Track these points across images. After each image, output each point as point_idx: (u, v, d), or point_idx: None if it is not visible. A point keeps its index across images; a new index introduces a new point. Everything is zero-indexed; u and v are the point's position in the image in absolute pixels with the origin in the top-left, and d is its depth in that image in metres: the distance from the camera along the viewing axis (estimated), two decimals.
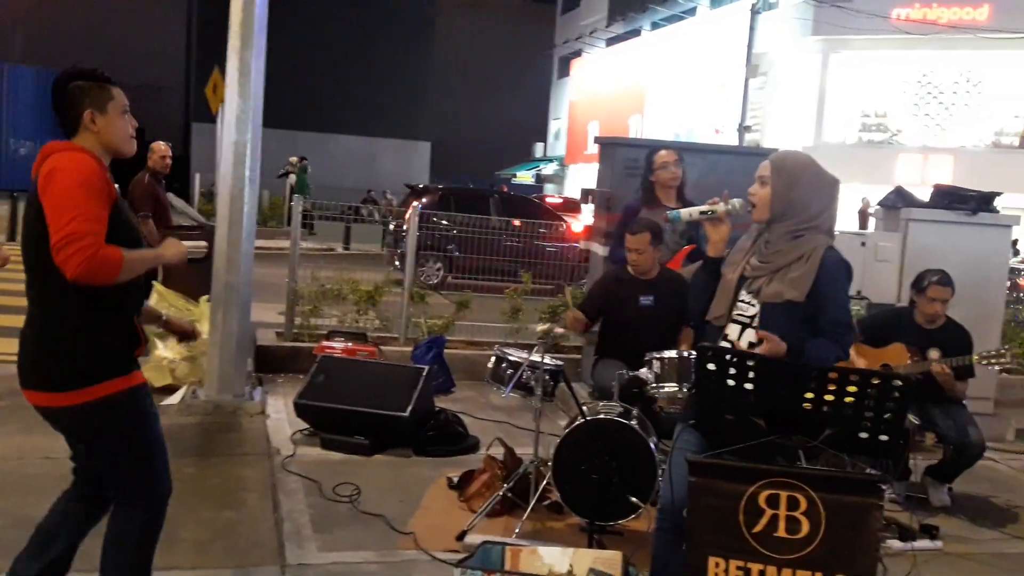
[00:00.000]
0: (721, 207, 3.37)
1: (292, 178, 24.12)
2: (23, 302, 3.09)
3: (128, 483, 3.15)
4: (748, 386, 2.86)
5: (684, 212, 3.50)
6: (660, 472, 4.59)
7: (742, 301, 3.34)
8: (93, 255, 2.79)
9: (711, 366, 2.90)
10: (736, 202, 3.38)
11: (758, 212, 3.33)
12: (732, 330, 3.36)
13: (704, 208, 3.38)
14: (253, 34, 6.62)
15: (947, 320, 5.73)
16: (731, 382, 2.88)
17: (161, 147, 8.84)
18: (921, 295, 5.68)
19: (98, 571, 3.20)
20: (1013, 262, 10.41)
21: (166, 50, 44.42)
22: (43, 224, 2.87)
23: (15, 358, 3.10)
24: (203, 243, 8.13)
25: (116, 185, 3.12)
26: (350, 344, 7.58)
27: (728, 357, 2.89)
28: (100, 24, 43.08)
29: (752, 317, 3.30)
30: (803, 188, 3.29)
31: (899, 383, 2.74)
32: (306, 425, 6.21)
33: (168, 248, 3.22)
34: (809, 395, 2.80)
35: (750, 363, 2.86)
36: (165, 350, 7.04)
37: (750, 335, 3.30)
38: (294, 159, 25.26)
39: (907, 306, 5.94)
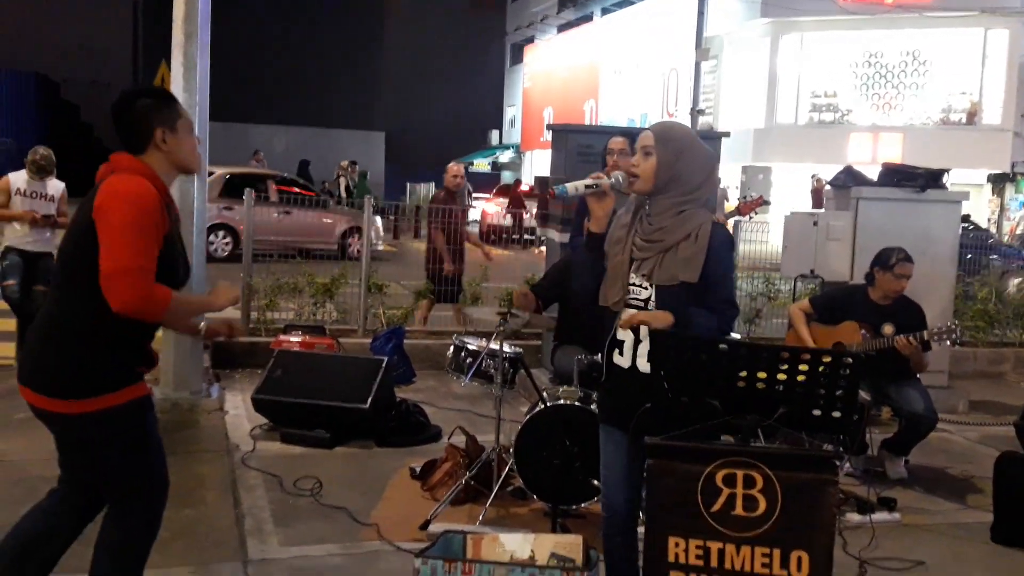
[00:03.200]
0: (605, 180, 3.31)
1: (342, 182, 23.77)
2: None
3: (128, 491, 3.10)
4: (702, 368, 2.87)
5: (570, 186, 3.39)
6: None
7: (633, 284, 3.26)
8: (140, 293, 2.82)
9: (667, 351, 2.91)
10: (619, 174, 3.33)
11: (641, 184, 3.24)
12: (628, 315, 3.28)
13: (588, 181, 3.31)
14: (197, 28, 6.57)
15: (899, 296, 5.81)
16: (686, 365, 2.89)
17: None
18: (887, 272, 5.73)
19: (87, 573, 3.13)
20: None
21: (112, 46, 43.74)
22: (91, 237, 2.86)
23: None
24: None
25: (175, 205, 3.14)
26: (307, 337, 7.53)
27: (684, 340, 2.91)
28: (45, 21, 42.33)
29: (646, 300, 3.23)
30: (687, 159, 3.23)
31: (849, 360, 2.78)
32: (265, 420, 6.17)
33: (219, 296, 3.19)
34: (762, 375, 2.83)
35: (704, 345, 2.88)
36: None
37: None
38: (344, 163, 25.03)
39: (861, 283, 6.02)
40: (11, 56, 34.21)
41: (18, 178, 7.69)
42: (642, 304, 3.24)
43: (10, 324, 7.70)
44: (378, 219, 17.34)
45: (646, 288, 3.23)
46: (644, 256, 3.23)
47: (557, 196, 3.41)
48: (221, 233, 15.85)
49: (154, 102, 3.08)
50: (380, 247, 16.83)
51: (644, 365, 3.22)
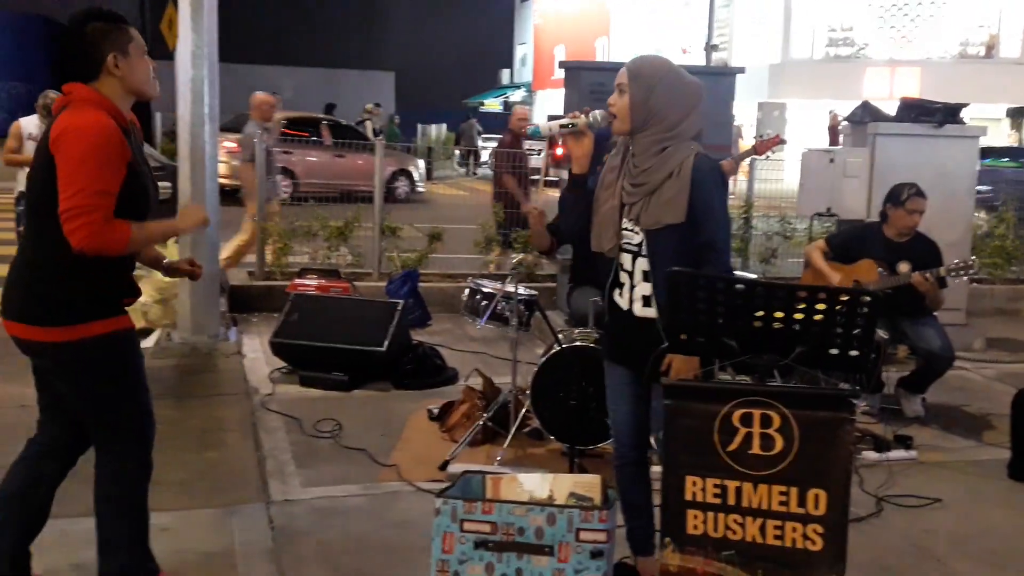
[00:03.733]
0: (581, 119, 3.22)
1: (368, 125, 23.49)
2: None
3: (117, 424, 3.12)
4: (717, 308, 2.87)
5: (543, 126, 3.32)
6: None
7: (626, 229, 3.22)
8: (98, 231, 2.79)
9: (681, 290, 2.90)
10: (598, 114, 3.23)
11: (619, 123, 3.17)
12: (624, 259, 3.27)
13: (564, 121, 3.24)
14: None
15: (916, 233, 5.77)
16: (701, 305, 2.88)
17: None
18: (899, 208, 5.70)
19: (93, 516, 3.17)
20: None
21: None
22: (52, 175, 2.83)
23: None
24: (167, 184, 8.01)
25: (138, 126, 3.08)
26: (323, 281, 7.56)
27: (699, 280, 2.89)
28: None
29: (639, 245, 3.19)
30: (661, 94, 3.12)
31: (867, 299, 2.76)
32: (283, 363, 6.22)
33: (184, 219, 3.16)
34: (779, 314, 2.82)
35: (720, 285, 2.87)
36: None
37: (643, 264, 3.21)
38: (369, 106, 24.97)
39: (876, 221, 5.97)
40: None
41: (29, 123, 7.68)
42: (635, 249, 3.21)
43: None
44: (421, 162, 17.94)
45: (637, 233, 3.20)
46: (632, 200, 3.18)
47: (530, 135, 3.34)
48: (280, 177, 15.78)
49: (104, 25, 2.96)
50: (422, 190, 17.42)
51: (640, 309, 3.23)
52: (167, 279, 6.86)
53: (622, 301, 3.30)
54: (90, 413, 3.12)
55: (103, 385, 3.06)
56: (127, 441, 3.15)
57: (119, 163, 2.88)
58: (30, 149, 7.50)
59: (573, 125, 3.23)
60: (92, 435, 3.16)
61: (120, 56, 2.95)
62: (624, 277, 3.29)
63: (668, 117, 3.13)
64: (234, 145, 12.84)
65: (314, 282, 7.52)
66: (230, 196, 8.50)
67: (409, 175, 17.43)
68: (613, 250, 3.26)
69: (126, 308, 3.11)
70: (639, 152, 3.17)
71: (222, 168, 13.33)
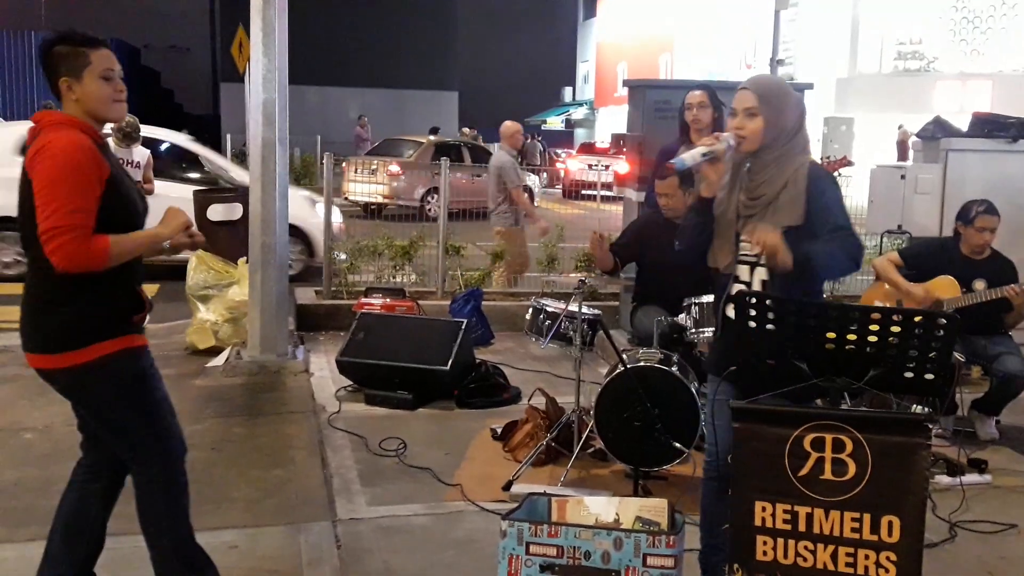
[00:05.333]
0: (720, 146, 3.25)
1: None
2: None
3: (137, 445, 3.12)
4: (788, 330, 2.83)
5: (687, 157, 3.34)
6: (703, 417, 4.59)
7: (744, 241, 3.27)
8: (75, 250, 2.80)
9: (752, 312, 2.87)
10: (729, 136, 3.26)
11: (748, 144, 3.22)
12: (742, 271, 3.31)
13: (705, 150, 3.27)
14: None
15: (992, 251, 5.65)
16: (771, 327, 2.85)
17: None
18: (969, 226, 5.59)
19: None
20: None
21: (190, 10, 44.35)
22: (31, 196, 2.87)
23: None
24: (238, 205, 8.17)
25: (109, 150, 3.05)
26: (388, 300, 7.63)
27: (767, 302, 2.86)
28: None
29: (758, 255, 3.23)
30: (789, 112, 3.24)
31: (943, 320, 2.71)
32: (349, 382, 6.29)
33: (166, 225, 3.10)
34: (851, 336, 2.77)
35: (790, 308, 2.83)
36: (207, 312, 7.14)
37: (761, 273, 3.26)
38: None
39: (951, 237, 5.85)
40: (92, 23, 34.97)
41: None
42: (754, 259, 3.26)
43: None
44: (536, 179, 19.95)
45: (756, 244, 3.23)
46: (750, 212, 3.25)
47: (677, 170, 3.34)
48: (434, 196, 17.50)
49: (64, 49, 2.97)
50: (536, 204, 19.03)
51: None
52: (237, 298, 7.00)
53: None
54: (110, 435, 3.14)
55: (117, 406, 3.07)
56: (150, 461, 3.15)
57: (93, 179, 2.89)
58: None
59: (712, 152, 3.26)
60: (119, 455, 3.18)
61: (73, 81, 2.96)
62: (738, 289, 3.30)
63: (791, 131, 3.24)
64: (398, 169, 16.12)
65: (380, 301, 7.60)
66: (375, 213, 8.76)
67: (530, 191, 18.33)
68: (730, 266, 3.31)
69: (138, 326, 3.10)
70: (759, 168, 3.25)
71: (378, 189, 14.92)
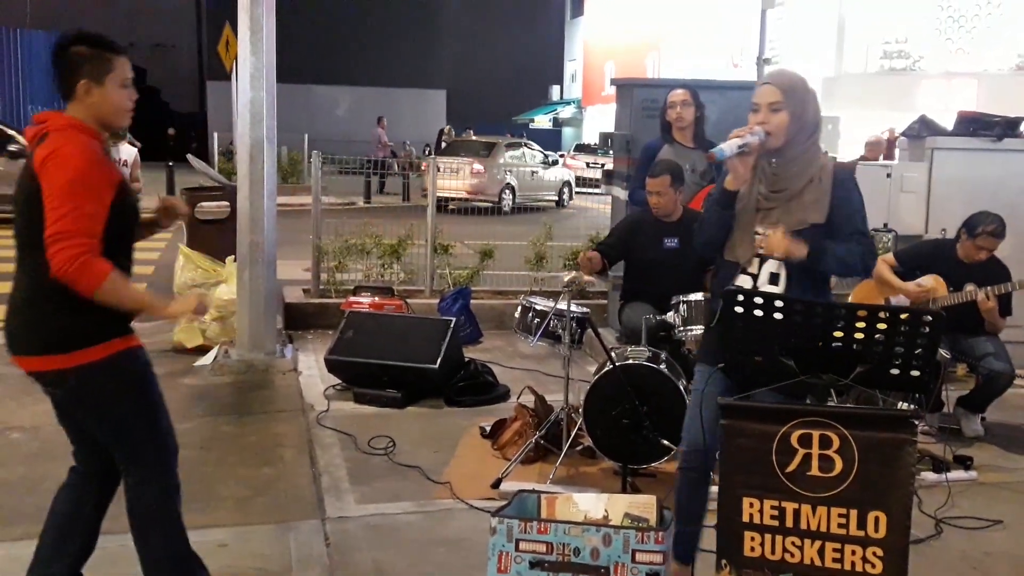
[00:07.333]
0: (752, 138, 3.24)
1: (444, 147, 25.22)
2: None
3: (135, 444, 3.10)
4: (776, 327, 2.85)
5: (726, 147, 3.28)
6: None
7: (757, 233, 3.30)
8: (79, 255, 2.76)
9: (739, 308, 2.89)
10: (759, 130, 3.25)
11: (775, 139, 3.23)
12: (752, 263, 3.34)
13: (739, 142, 3.24)
14: None
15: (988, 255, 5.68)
16: (759, 324, 2.87)
17: None
18: (970, 239, 5.62)
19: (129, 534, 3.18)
20: None
21: (177, 8, 44.15)
22: (39, 200, 2.81)
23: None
24: (225, 203, 8.16)
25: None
26: (377, 298, 7.63)
27: (756, 299, 2.88)
28: None
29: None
30: (812, 105, 3.28)
31: (929, 318, 2.73)
32: (338, 380, 6.29)
33: (175, 306, 3.09)
34: (838, 333, 2.80)
35: (778, 304, 2.85)
36: None
37: (770, 266, 3.28)
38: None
39: (951, 239, 5.88)
40: (76, 20, 34.79)
41: None
42: (763, 252, 3.28)
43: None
44: (572, 175, 23.17)
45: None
46: (770, 205, 3.28)
47: (718, 159, 3.32)
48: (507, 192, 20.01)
49: (87, 50, 2.93)
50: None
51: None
52: (225, 297, 6.99)
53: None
54: (106, 437, 3.11)
55: (114, 409, 3.04)
56: (145, 464, 3.13)
57: (107, 184, 2.87)
58: None
59: (747, 145, 3.24)
60: (114, 459, 3.15)
61: (94, 84, 2.93)
62: (744, 281, 3.33)
63: (813, 125, 3.28)
64: (482, 168, 18.88)
65: (368, 299, 7.60)
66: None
67: (570, 186, 22.17)
68: (749, 259, 3.33)
69: (132, 327, 3.07)
70: (782, 163, 3.27)
71: (463, 184, 16.90)
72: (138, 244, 3.20)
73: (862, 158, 6.40)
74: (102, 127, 3.01)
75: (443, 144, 25.87)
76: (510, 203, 19.28)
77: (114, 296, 2.88)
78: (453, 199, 16.31)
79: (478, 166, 18.94)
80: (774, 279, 3.28)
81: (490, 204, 15.66)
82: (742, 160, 3.26)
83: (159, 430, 3.14)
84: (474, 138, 23.06)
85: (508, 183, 19.69)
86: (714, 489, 3.08)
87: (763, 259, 3.30)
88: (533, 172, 20.71)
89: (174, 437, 3.22)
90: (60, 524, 3.21)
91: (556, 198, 21.51)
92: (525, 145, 22.62)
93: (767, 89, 3.25)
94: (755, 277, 3.32)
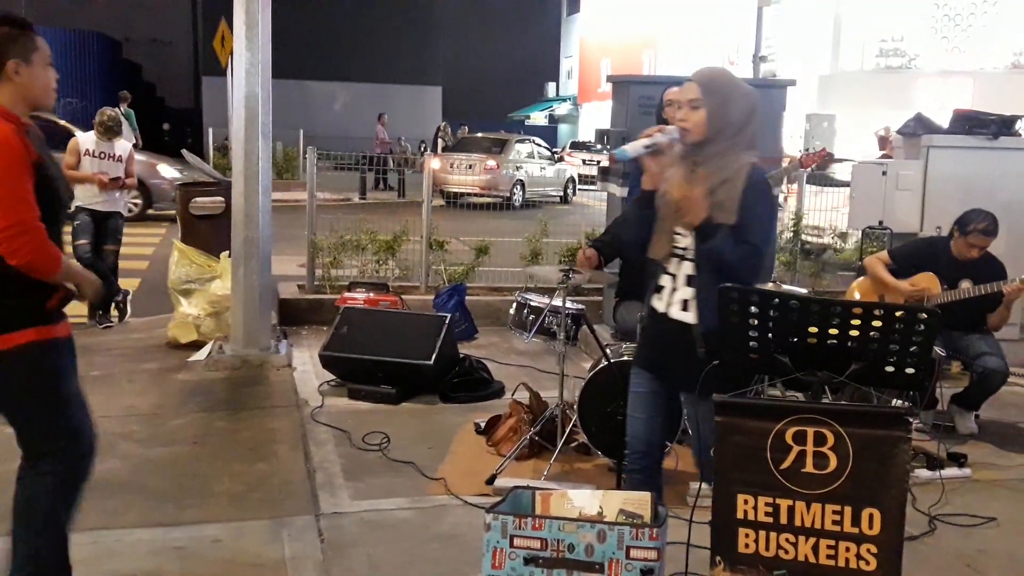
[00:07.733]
0: (662, 138, 3.23)
1: (440, 143, 25.75)
2: None
3: (41, 437, 3.02)
4: (771, 324, 2.85)
5: (629, 148, 3.28)
6: (685, 412, 4.61)
7: (677, 233, 3.27)
8: (40, 248, 2.79)
9: (734, 306, 2.89)
10: (672, 129, 3.25)
11: (692, 136, 3.20)
12: (671, 263, 3.31)
13: (647, 142, 3.23)
14: None
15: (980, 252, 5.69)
16: (754, 320, 2.87)
17: None
18: (962, 237, 5.62)
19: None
20: None
21: (173, 4, 44.03)
22: None
23: None
24: (220, 199, 8.14)
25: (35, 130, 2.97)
26: (372, 294, 7.62)
27: (752, 296, 2.88)
28: None
29: (685, 248, 3.24)
30: (734, 105, 3.21)
31: (924, 316, 2.73)
32: (332, 376, 6.28)
33: (86, 284, 3.09)
34: (833, 331, 2.79)
35: (774, 301, 2.85)
36: (189, 307, 7.11)
37: (687, 267, 3.25)
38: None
39: (945, 237, 5.88)
40: (72, 16, 34.66)
41: (86, 139, 7.85)
42: (682, 251, 3.27)
43: None
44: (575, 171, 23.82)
45: (686, 236, 3.24)
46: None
47: (618, 160, 3.32)
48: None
49: (10, 31, 2.91)
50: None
51: (677, 312, 3.27)
52: (219, 292, 6.98)
53: (660, 305, 3.34)
54: (13, 423, 3.03)
55: (23, 398, 2.98)
56: (46, 456, 3.03)
57: (29, 167, 2.83)
58: (87, 165, 7.67)
59: (655, 145, 3.23)
60: (20, 443, 3.05)
61: (22, 64, 2.91)
62: (666, 281, 3.33)
63: (736, 125, 3.21)
64: (495, 164, 19.45)
65: (363, 295, 7.59)
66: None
67: (574, 182, 23.04)
68: (666, 258, 3.31)
69: (63, 314, 3.02)
70: (703, 161, 3.22)
71: (475, 180, 17.65)
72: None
73: (884, 156, 6.38)
74: (30, 107, 2.98)
75: (439, 142, 26.03)
76: (520, 199, 19.61)
77: (65, 278, 2.91)
78: (467, 194, 16.81)
79: (491, 162, 19.42)
80: (690, 280, 3.24)
81: (501, 199, 15.95)
82: (655, 159, 3.25)
83: (68, 427, 3.05)
84: (483, 135, 23.32)
85: (519, 179, 20.14)
86: (707, 487, 3.08)
87: (682, 259, 3.27)
88: (542, 168, 21.29)
89: (90, 436, 3.12)
90: (20, 518, 3.07)
91: (561, 194, 21.96)
92: (533, 142, 22.97)
93: (688, 86, 3.24)
94: (674, 277, 3.29)
